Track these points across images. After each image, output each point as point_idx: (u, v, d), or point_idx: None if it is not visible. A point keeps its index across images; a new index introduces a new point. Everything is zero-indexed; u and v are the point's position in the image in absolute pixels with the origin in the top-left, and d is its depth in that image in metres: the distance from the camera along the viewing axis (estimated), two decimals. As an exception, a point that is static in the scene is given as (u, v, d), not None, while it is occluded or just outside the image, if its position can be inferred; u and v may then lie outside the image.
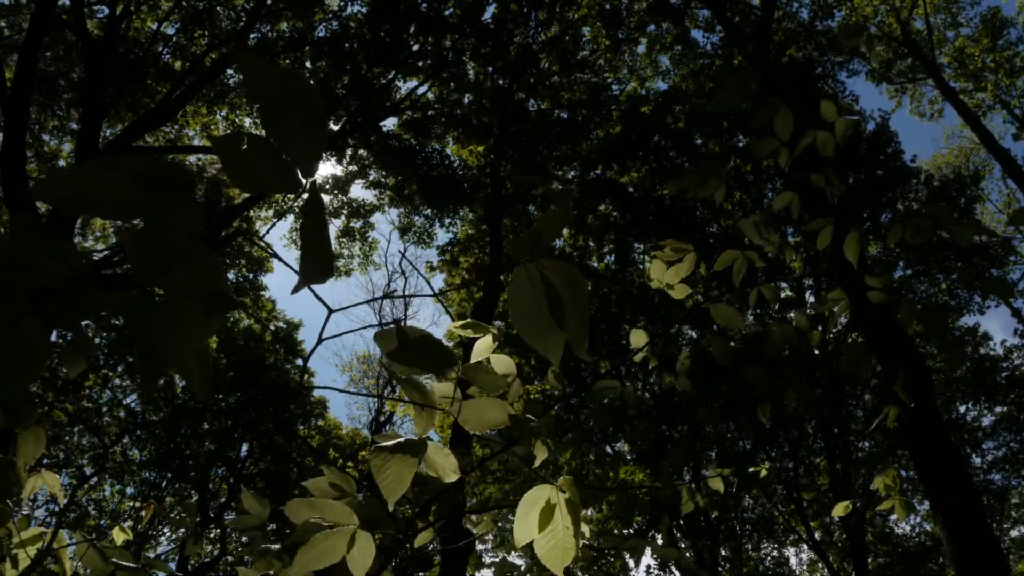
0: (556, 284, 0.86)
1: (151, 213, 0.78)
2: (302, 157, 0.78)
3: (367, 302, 1.25)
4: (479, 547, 16.55)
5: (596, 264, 14.65)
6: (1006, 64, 16.60)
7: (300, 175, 0.77)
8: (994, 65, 16.77)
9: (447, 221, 15.11)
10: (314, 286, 0.94)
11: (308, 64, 12.28)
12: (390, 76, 13.16)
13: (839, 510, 3.01)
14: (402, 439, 1.24)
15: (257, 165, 0.76)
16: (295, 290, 0.82)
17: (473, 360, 2.58)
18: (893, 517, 16.70)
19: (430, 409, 1.27)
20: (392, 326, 1.08)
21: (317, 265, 0.79)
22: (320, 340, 1.03)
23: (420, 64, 13.03)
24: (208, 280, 0.95)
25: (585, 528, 2.80)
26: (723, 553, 14.82)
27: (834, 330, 14.83)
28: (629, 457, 13.97)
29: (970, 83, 17.30)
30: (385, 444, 1.24)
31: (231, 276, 14.27)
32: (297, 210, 15.07)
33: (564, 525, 1.25)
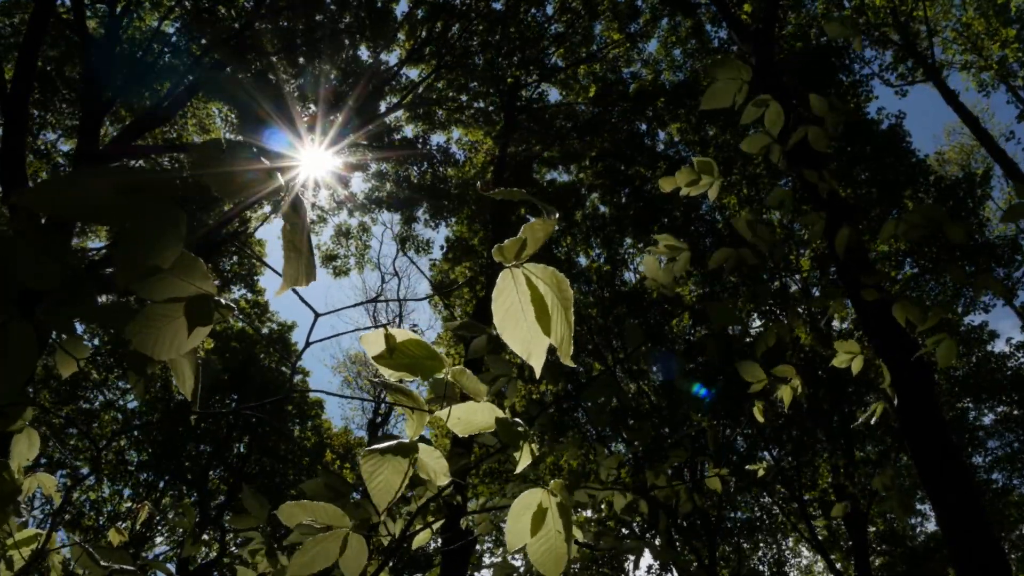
0: (541, 289, 0.86)
1: (131, 220, 0.77)
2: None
3: (359, 304, 1.24)
4: (479, 548, 16.50)
5: (584, 261, 14.59)
6: (1012, 44, 16.17)
7: (280, 178, 0.77)
8: (999, 46, 16.41)
9: (451, 220, 15.07)
10: (300, 290, 0.93)
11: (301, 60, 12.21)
12: (393, 66, 13.09)
13: (837, 511, 3.01)
14: (393, 441, 1.23)
15: (237, 171, 0.76)
16: (280, 292, 0.82)
17: (472, 352, 2.57)
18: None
19: (420, 411, 1.26)
20: (379, 329, 1.08)
21: (301, 269, 0.78)
22: (308, 343, 1.02)
23: (426, 52, 12.93)
24: (194, 285, 0.94)
25: (578, 533, 2.78)
26: (725, 550, 14.78)
27: (839, 327, 14.78)
28: (627, 460, 13.92)
29: (974, 56, 16.91)
30: (377, 447, 1.23)
31: (225, 267, 14.24)
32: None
33: (556, 529, 1.24)
